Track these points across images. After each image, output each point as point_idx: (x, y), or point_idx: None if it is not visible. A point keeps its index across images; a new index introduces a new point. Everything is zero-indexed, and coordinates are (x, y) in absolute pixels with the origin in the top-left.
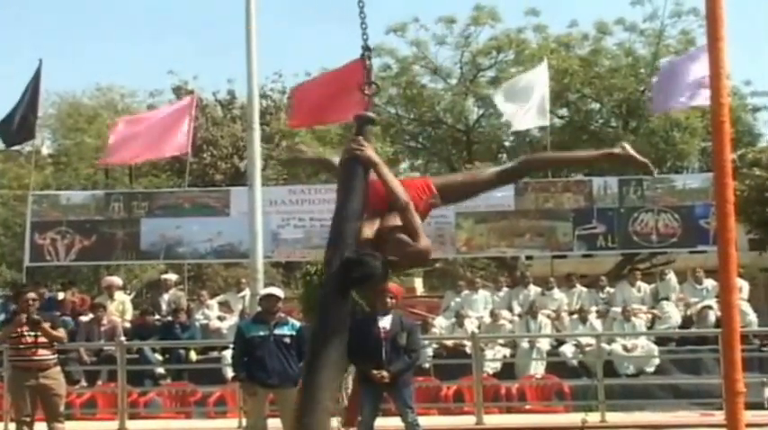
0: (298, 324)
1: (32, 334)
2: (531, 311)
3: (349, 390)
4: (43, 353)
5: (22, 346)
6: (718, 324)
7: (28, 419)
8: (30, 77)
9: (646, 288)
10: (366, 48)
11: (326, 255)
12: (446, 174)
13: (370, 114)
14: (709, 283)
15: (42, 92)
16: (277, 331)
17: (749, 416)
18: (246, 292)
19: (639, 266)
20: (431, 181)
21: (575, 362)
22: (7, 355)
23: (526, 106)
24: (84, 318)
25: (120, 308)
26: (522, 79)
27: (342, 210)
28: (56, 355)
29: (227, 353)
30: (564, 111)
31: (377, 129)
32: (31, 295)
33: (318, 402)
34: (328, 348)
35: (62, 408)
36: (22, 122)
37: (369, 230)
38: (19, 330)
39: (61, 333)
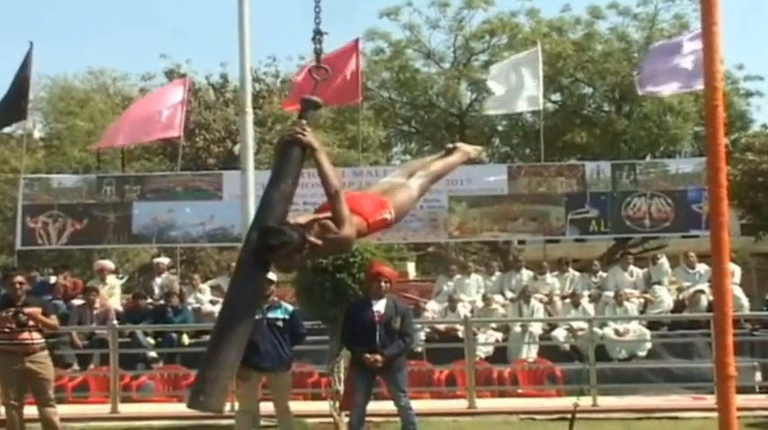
0: (290, 307)
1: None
2: (523, 296)
3: (343, 375)
4: (30, 337)
5: (8, 330)
6: (710, 308)
7: (16, 403)
8: (21, 61)
9: (638, 272)
10: (317, 32)
11: (249, 233)
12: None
13: (316, 99)
14: (702, 268)
15: (33, 75)
16: (270, 315)
17: (740, 399)
18: None
19: (632, 251)
20: (387, 200)
21: (567, 346)
22: None
23: (516, 90)
24: (76, 302)
25: (111, 291)
26: (513, 61)
27: (271, 191)
28: (44, 339)
29: None
30: (557, 96)
31: (370, 112)
32: (19, 278)
33: (218, 380)
34: (236, 325)
35: (51, 392)
36: (13, 105)
37: (302, 218)
38: (5, 315)
39: (53, 320)
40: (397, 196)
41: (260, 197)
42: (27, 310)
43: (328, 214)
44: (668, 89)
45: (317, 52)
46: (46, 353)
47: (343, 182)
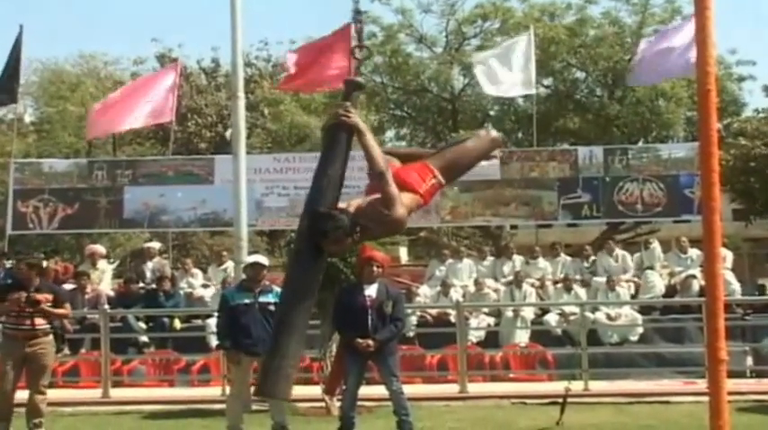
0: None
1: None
2: (515, 280)
3: (332, 358)
4: (35, 322)
5: (14, 314)
6: (701, 293)
7: (10, 387)
8: (11, 44)
9: (625, 256)
10: (357, 11)
11: (301, 222)
12: (437, 154)
13: (360, 80)
14: (694, 253)
15: (24, 59)
16: (262, 299)
17: (731, 384)
18: (228, 265)
19: (623, 235)
20: (429, 163)
21: (558, 330)
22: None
23: (509, 74)
24: (67, 287)
25: (101, 276)
26: (506, 46)
27: (321, 177)
28: (48, 325)
29: (211, 322)
30: (549, 81)
31: (362, 97)
32: (32, 262)
33: (281, 368)
34: (297, 313)
35: (45, 380)
36: (3, 88)
37: (355, 202)
38: (17, 297)
39: (66, 309)
40: (442, 156)
41: (250, 181)
42: (38, 297)
43: (378, 195)
44: (664, 75)
45: (359, 32)
46: (50, 338)
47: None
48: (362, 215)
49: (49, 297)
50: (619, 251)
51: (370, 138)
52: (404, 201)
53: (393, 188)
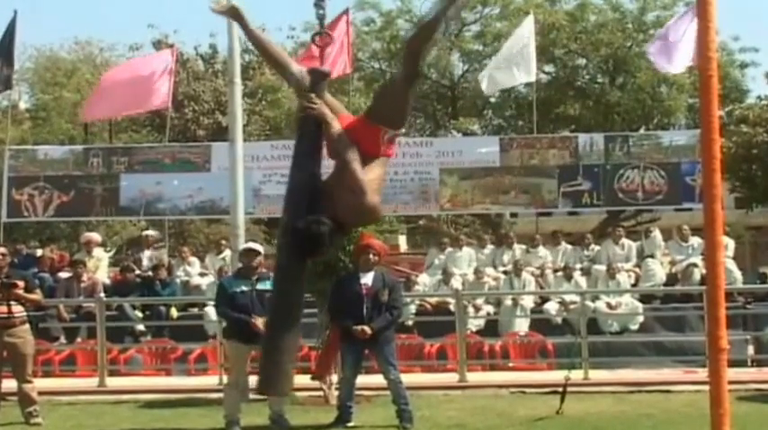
0: None
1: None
2: (515, 269)
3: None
4: (12, 310)
5: None
6: (702, 281)
7: None
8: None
9: (630, 245)
10: None
11: (282, 218)
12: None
13: (325, 69)
14: (695, 241)
15: (18, 44)
16: (259, 286)
17: (732, 373)
18: (226, 253)
19: (624, 224)
20: (363, 117)
21: (558, 319)
22: None
23: (511, 63)
24: (63, 275)
25: (97, 264)
26: (510, 40)
27: (297, 172)
28: (24, 313)
29: (209, 310)
30: (550, 67)
31: (361, 84)
32: (0, 250)
33: (280, 364)
34: (291, 310)
35: (29, 368)
36: None
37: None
38: None
39: (37, 295)
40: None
41: (247, 168)
42: (14, 280)
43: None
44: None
45: (320, 18)
46: (26, 327)
47: None
48: (337, 207)
49: (21, 284)
50: (625, 240)
51: (337, 128)
52: (374, 179)
53: (361, 175)
